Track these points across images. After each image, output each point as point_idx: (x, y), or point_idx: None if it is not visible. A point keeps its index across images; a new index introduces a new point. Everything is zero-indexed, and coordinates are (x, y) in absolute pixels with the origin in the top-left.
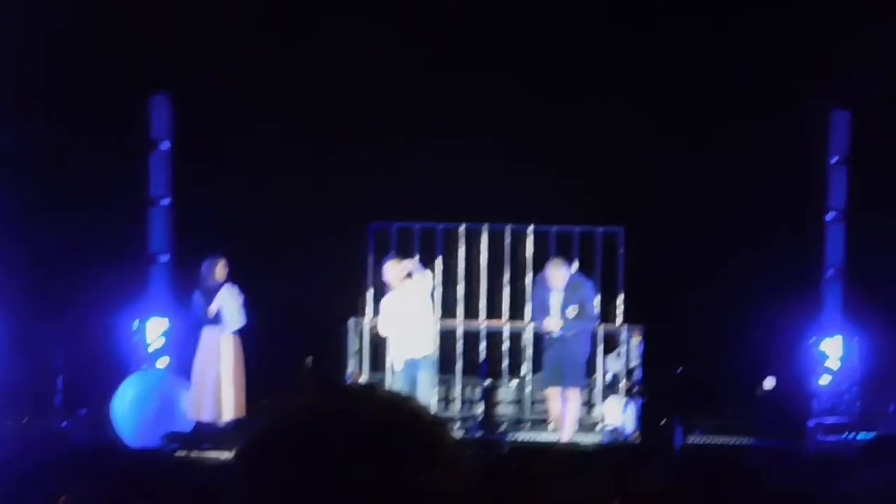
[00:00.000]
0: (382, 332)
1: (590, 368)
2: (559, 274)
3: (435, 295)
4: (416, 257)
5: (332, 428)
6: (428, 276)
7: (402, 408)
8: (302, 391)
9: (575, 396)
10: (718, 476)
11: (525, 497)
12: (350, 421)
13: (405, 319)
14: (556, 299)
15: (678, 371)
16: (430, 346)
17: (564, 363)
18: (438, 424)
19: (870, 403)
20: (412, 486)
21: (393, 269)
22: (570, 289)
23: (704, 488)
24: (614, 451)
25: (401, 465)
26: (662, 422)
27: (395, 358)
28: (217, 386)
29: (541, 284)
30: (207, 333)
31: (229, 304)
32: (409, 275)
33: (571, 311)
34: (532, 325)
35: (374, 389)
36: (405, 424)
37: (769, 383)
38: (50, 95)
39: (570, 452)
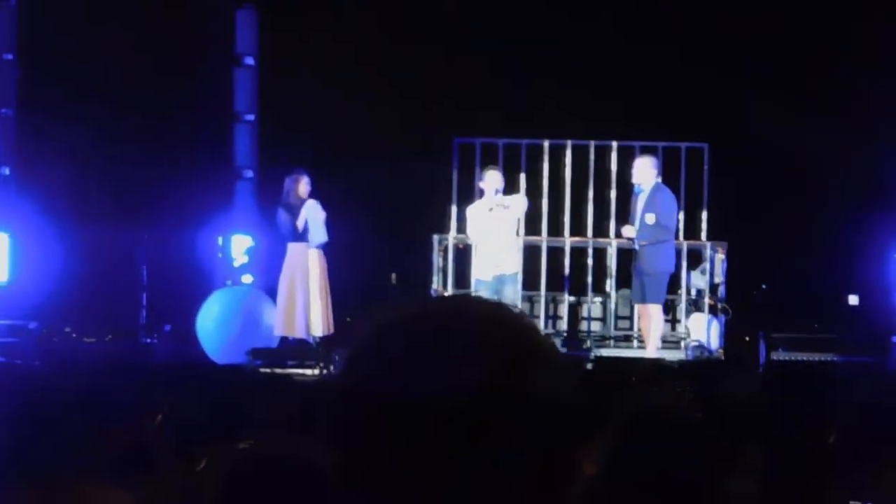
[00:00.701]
0: (472, 239)
1: (674, 285)
2: (643, 166)
3: (523, 216)
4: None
5: (446, 328)
6: (523, 200)
7: (506, 311)
8: (388, 306)
9: (657, 312)
10: (802, 390)
11: (611, 405)
12: (461, 322)
13: (494, 233)
14: (640, 203)
15: (763, 287)
16: (516, 264)
17: (644, 279)
18: (538, 328)
19: None
20: (522, 386)
21: (494, 178)
22: (651, 194)
23: (788, 402)
24: (698, 365)
25: (511, 365)
26: (746, 338)
27: (480, 272)
28: (306, 302)
29: (634, 192)
30: (293, 249)
31: (314, 219)
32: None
33: (650, 218)
34: (616, 241)
35: (476, 298)
36: (511, 327)
37: (853, 300)
38: (134, 8)
39: (654, 365)
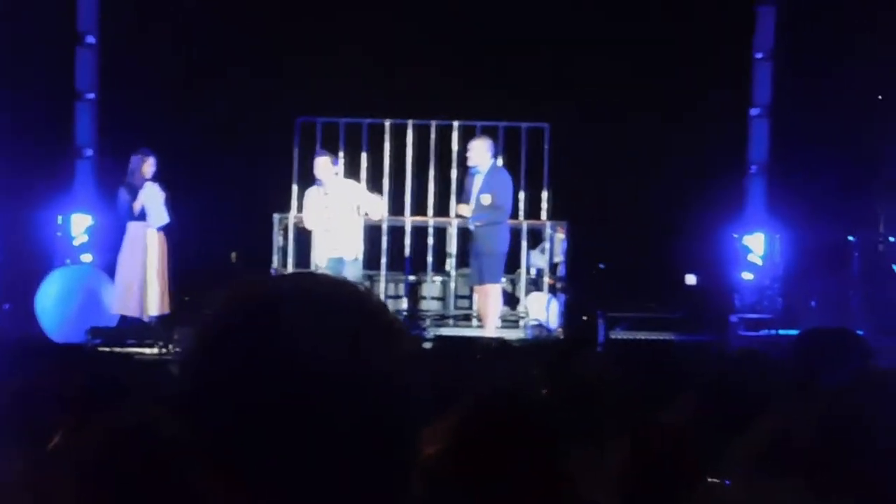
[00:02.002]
0: (308, 225)
1: (514, 264)
2: (479, 148)
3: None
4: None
5: (291, 305)
6: (379, 202)
7: (351, 289)
8: (229, 285)
9: (495, 292)
10: (640, 368)
11: (451, 388)
12: (306, 298)
13: (333, 217)
14: (476, 184)
15: (601, 266)
16: (356, 249)
17: (481, 259)
18: (384, 306)
19: (791, 300)
20: (370, 360)
21: (325, 165)
22: (488, 175)
23: (626, 381)
24: (540, 344)
25: (359, 340)
26: (584, 317)
27: (319, 255)
28: (142, 281)
29: (469, 173)
30: (132, 229)
31: (153, 200)
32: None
33: (485, 199)
34: (457, 221)
35: (322, 275)
36: (356, 304)
37: (690, 279)
38: None
39: (495, 344)
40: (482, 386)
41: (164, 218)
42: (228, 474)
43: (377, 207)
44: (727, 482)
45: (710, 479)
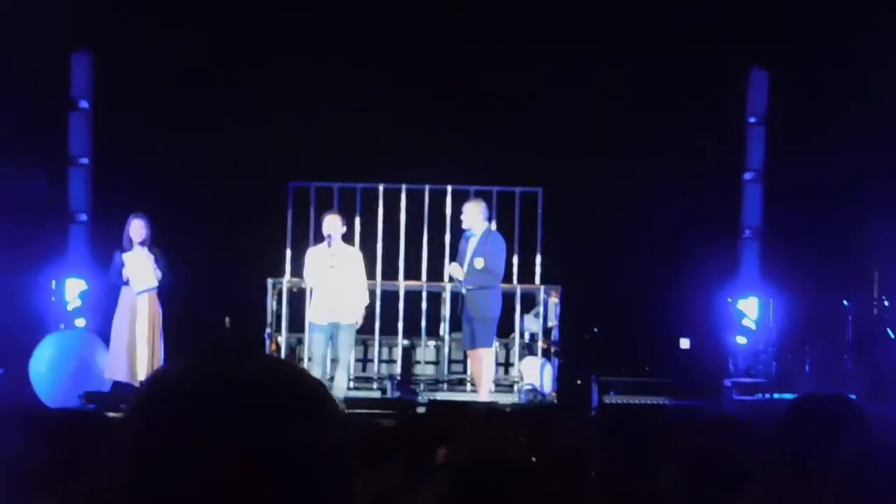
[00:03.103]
0: (310, 282)
1: (507, 328)
2: (472, 211)
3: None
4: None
5: (214, 389)
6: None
7: (284, 369)
8: (217, 351)
9: (488, 356)
10: (632, 434)
11: (442, 451)
12: (231, 382)
13: (335, 280)
14: (470, 247)
15: (594, 331)
16: (354, 316)
17: (473, 324)
18: (320, 384)
19: (786, 364)
20: (297, 443)
21: (336, 222)
22: (482, 239)
23: (619, 446)
24: (531, 409)
25: (284, 423)
26: (578, 381)
27: (316, 316)
28: (131, 346)
29: (463, 236)
30: (124, 293)
31: (136, 265)
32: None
33: (478, 262)
34: (450, 285)
35: (256, 353)
36: (287, 384)
37: (684, 343)
38: None
39: (486, 410)
40: (470, 452)
41: (148, 282)
42: None
43: (361, 304)
44: None
45: None
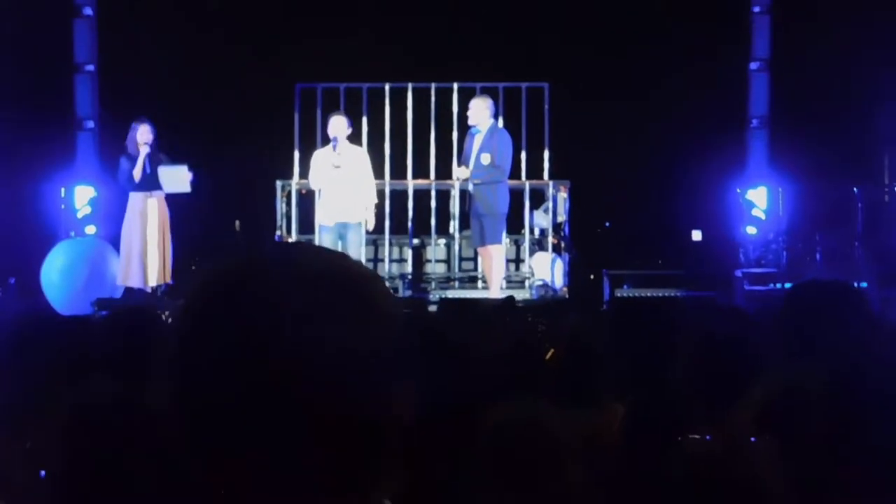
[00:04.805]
0: (314, 184)
1: (517, 224)
2: (478, 107)
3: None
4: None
5: (274, 278)
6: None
7: (338, 260)
8: (231, 253)
9: (498, 253)
10: (644, 324)
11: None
12: (291, 272)
13: (342, 180)
14: (476, 143)
15: (606, 225)
16: (361, 214)
17: (482, 220)
18: (375, 277)
19: (796, 253)
20: (354, 338)
21: (341, 124)
22: (488, 135)
23: (632, 337)
24: (543, 304)
25: (342, 318)
26: (591, 276)
27: (325, 217)
28: (142, 251)
29: (469, 133)
30: (133, 199)
31: (174, 173)
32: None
33: (485, 158)
34: (458, 183)
35: (307, 245)
36: (346, 276)
37: (696, 235)
38: None
39: (499, 304)
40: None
41: (182, 185)
42: (207, 447)
43: (370, 204)
44: (707, 437)
45: (690, 436)
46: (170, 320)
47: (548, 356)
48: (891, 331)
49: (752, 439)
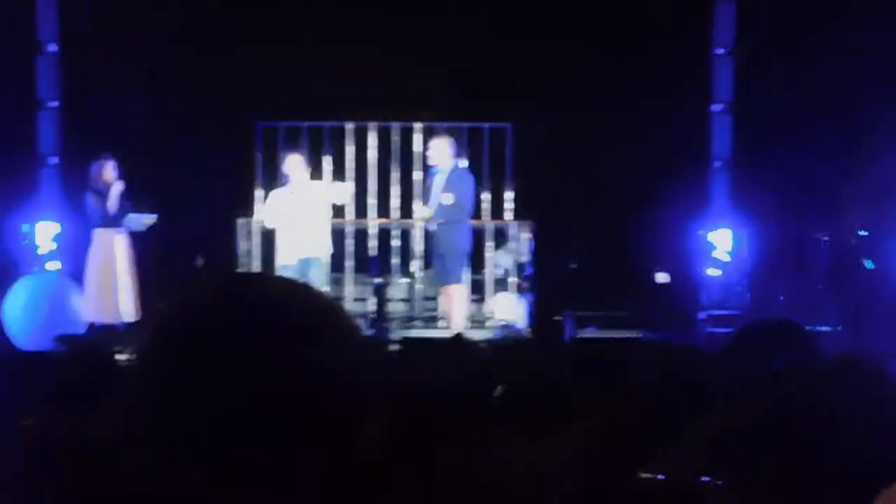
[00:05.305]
0: (267, 223)
1: (479, 264)
2: (439, 147)
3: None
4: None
5: (234, 310)
6: (344, 188)
7: (300, 289)
8: (193, 289)
9: (459, 292)
10: (602, 363)
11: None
12: (252, 303)
13: (300, 217)
14: (437, 183)
15: (571, 267)
16: (323, 248)
17: (444, 260)
18: (338, 307)
19: (759, 296)
20: (319, 364)
21: (298, 163)
22: (450, 175)
23: (590, 378)
24: (504, 344)
25: (306, 344)
26: (553, 317)
27: (286, 256)
28: (111, 286)
29: (430, 173)
30: (100, 235)
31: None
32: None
33: (446, 198)
34: (420, 223)
35: (269, 276)
36: (306, 304)
37: (662, 277)
38: None
39: (447, 341)
40: (438, 380)
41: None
42: (177, 470)
43: (343, 191)
44: (659, 476)
45: (642, 475)
46: (133, 356)
47: (496, 392)
48: (838, 368)
49: (704, 478)
